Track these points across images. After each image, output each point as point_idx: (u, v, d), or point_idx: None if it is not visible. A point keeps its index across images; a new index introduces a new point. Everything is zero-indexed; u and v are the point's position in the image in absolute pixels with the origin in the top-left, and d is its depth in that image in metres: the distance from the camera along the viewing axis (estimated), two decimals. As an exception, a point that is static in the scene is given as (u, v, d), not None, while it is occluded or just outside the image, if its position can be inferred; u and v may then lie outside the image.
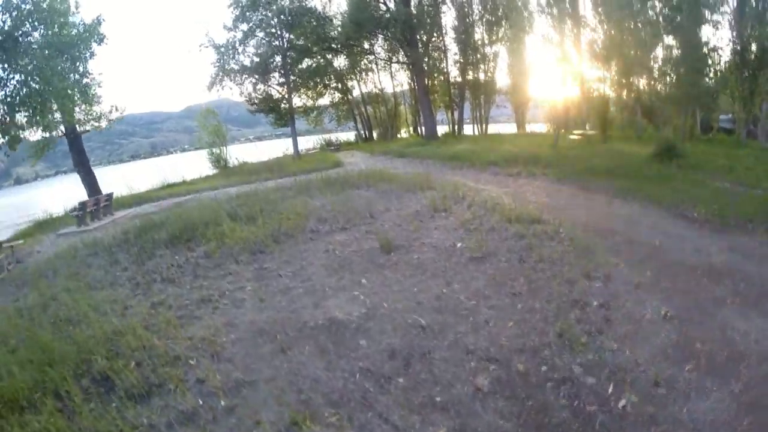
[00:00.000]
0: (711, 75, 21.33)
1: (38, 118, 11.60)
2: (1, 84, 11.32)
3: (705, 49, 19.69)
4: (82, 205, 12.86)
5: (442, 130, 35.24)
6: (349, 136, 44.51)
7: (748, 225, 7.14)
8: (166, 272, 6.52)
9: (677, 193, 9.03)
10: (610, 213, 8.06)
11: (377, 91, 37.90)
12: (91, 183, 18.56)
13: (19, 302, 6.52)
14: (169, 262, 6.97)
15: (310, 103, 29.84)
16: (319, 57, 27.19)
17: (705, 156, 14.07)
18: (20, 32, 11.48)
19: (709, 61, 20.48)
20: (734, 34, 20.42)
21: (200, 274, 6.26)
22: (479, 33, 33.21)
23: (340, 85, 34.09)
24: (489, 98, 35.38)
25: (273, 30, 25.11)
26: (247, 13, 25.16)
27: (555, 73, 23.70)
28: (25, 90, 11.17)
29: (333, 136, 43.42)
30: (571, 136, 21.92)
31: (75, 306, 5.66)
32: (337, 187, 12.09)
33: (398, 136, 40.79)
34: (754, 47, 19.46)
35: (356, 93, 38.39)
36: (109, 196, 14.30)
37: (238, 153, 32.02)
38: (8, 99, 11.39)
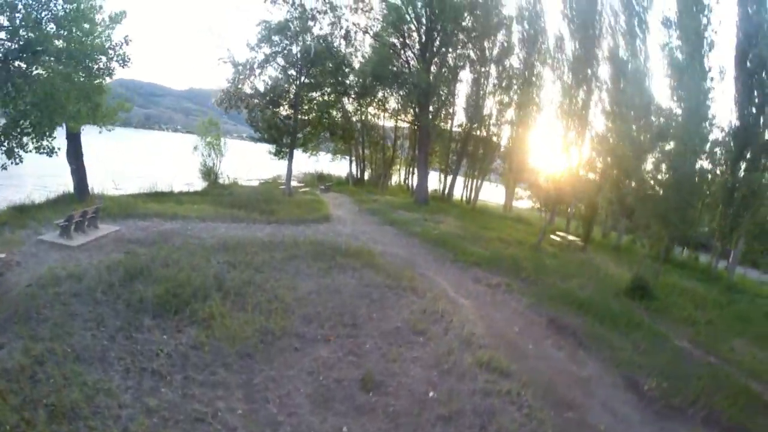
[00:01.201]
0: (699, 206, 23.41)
1: (43, 142, 11.79)
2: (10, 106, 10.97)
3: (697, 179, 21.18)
4: (69, 218, 12.93)
5: (432, 184, 36.70)
6: (340, 169, 45.60)
7: (689, 410, 8.16)
8: (156, 362, 7.05)
9: (637, 354, 10.08)
10: (572, 374, 8.95)
11: (379, 139, 39.34)
12: (80, 179, 18.50)
13: (3, 353, 6.92)
14: (159, 346, 7.48)
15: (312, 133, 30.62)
16: (330, 93, 28.26)
17: (673, 298, 15.35)
18: (42, 47, 11.13)
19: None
20: (727, 170, 22.63)
21: (191, 376, 6.76)
22: (488, 108, 35.24)
23: (345, 125, 35.22)
24: (484, 173, 37.23)
25: (293, 59, 26.19)
26: (273, 37, 26.28)
27: (552, 158, 25.69)
28: (34, 116, 11.00)
29: (325, 169, 44.58)
30: (554, 237, 23.31)
31: (66, 386, 6.18)
32: (324, 264, 12.84)
33: (389, 184, 42.15)
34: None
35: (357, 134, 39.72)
36: (97, 209, 14.46)
37: (231, 153, 32.61)
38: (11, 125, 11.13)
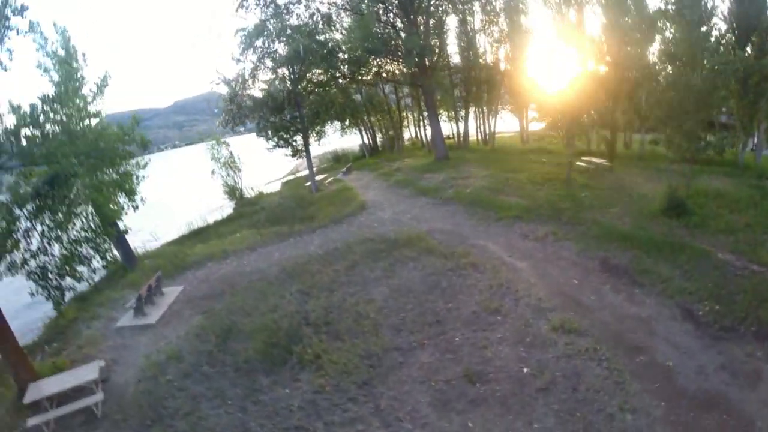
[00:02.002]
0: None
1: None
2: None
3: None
4: (138, 298, 13.66)
5: (445, 130, 37.47)
6: (352, 141, 46.50)
7: (740, 328, 9.63)
8: (294, 418, 8.31)
9: (686, 280, 11.48)
10: (635, 316, 10.39)
11: (384, 106, 39.92)
12: (124, 248, 19.06)
13: None
14: (287, 402, 8.75)
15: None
16: (332, 86, 28.86)
17: (708, 209, 16.43)
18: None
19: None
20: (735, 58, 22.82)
21: (329, 420, 8.15)
22: (481, 46, 35.31)
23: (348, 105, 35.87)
24: (493, 111, 37.76)
25: (282, 60, 26.65)
26: (255, 42, 26.77)
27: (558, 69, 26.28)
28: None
29: (336, 145, 45.48)
30: (580, 163, 24.23)
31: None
32: (384, 263, 14.44)
33: (403, 144, 43.01)
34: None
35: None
36: (158, 278, 15.30)
37: (237, 151, 33.95)
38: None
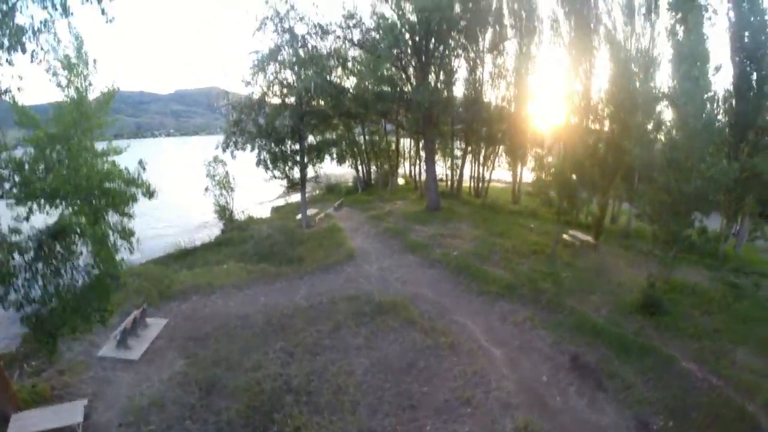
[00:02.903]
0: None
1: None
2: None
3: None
4: (123, 332, 14.28)
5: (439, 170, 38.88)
6: (345, 169, 47.68)
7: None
8: None
9: (648, 389, 12.60)
10: (594, 424, 11.39)
11: (381, 136, 41.41)
12: None
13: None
14: None
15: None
16: (337, 125, 30.03)
17: (681, 307, 17.72)
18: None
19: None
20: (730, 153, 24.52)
21: None
22: (486, 97, 37.08)
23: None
24: (490, 163, 39.49)
25: (292, 92, 27.66)
26: (267, 66, 27.82)
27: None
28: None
29: (329, 171, 46.57)
30: (566, 237, 25.59)
31: None
32: (367, 330, 15.41)
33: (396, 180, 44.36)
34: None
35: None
36: (143, 311, 15.89)
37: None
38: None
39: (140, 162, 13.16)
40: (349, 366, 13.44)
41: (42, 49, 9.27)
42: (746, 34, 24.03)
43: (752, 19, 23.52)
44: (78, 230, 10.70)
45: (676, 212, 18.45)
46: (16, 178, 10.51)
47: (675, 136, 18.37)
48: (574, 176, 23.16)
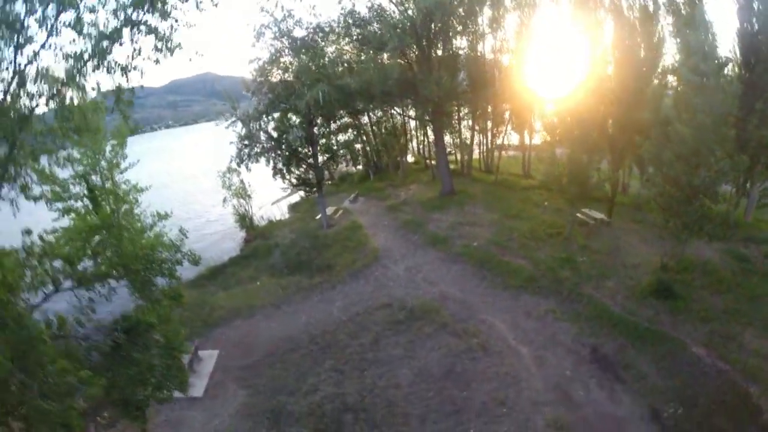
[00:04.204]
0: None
1: None
2: None
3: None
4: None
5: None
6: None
7: None
8: None
9: (660, 377, 14.87)
10: (612, 416, 13.69)
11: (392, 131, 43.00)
12: None
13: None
14: None
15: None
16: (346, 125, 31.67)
17: (693, 289, 19.75)
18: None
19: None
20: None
21: None
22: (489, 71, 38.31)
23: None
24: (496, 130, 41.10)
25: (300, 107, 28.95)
26: (269, 76, 29.29)
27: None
28: None
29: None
30: (580, 215, 27.49)
31: None
32: (405, 338, 17.73)
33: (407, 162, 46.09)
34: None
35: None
36: (196, 348, 17.68)
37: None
38: None
39: (181, 230, 13.96)
40: (395, 378, 15.79)
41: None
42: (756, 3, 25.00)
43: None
44: (150, 323, 11.79)
45: (685, 202, 19.89)
46: (68, 269, 11.62)
47: (683, 129, 19.37)
48: (584, 157, 24.78)
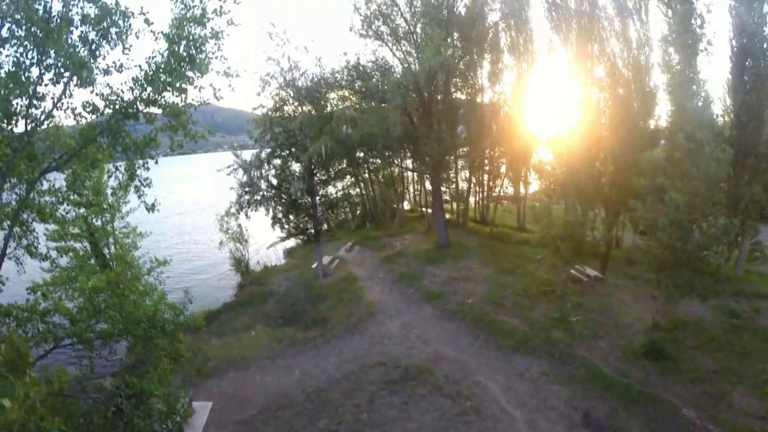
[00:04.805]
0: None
1: None
2: None
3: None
4: None
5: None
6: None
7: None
8: None
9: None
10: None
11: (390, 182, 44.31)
12: None
13: None
14: None
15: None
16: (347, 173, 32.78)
17: (684, 349, 20.37)
18: None
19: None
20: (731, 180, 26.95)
21: None
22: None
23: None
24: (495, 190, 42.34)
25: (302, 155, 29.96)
26: (273, 124, 30.27)
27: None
28: None
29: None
30: (573, 272, 28.26)
31: None
32: (399, 400, 17.96)
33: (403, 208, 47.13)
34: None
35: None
36: (190, 400, 17.48)
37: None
38: None
39: (186, 292, 14.68)
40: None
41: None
42: (748, 62, 26.63)
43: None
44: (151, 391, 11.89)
45: (677, 265, 20.74)
46: (69, 326, 12.06)
47: (677, 197, 20.19)
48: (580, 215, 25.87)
